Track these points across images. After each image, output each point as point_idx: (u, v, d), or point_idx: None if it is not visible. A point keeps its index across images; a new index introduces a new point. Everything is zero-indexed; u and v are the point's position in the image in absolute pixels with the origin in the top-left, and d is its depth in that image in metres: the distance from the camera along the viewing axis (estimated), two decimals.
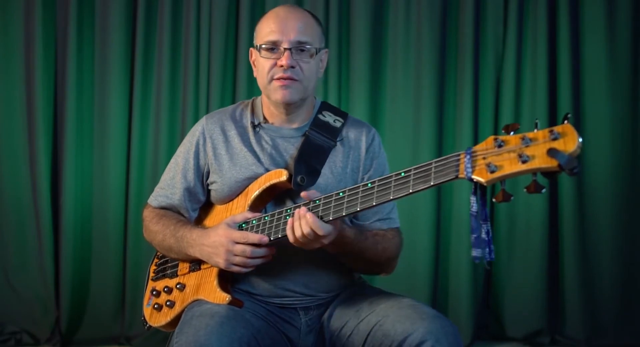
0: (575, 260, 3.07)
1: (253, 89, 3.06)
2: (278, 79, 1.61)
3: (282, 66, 1.59)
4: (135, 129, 3.06)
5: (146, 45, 3.07)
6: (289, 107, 1.67)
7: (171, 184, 1.73)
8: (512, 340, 3.11)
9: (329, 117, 1.72)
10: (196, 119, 3.02)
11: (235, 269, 1.53)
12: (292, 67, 1.59)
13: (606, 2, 3.08)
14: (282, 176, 1.59)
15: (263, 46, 1.62)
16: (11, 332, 2.98)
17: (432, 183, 1.27)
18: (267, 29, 1.62)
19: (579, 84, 3.12)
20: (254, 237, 1.51)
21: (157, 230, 1.69)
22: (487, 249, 1.23)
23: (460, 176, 1.21)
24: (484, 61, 3.15)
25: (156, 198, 1.77)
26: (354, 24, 3.10)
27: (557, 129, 1.11)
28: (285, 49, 1.59)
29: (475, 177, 1.18)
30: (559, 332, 3.11)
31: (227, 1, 3.07)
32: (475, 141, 3.09)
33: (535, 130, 1.15)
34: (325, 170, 1.65)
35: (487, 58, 3.15)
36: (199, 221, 1.76)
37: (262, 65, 1.64)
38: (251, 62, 1.73)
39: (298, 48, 1.60)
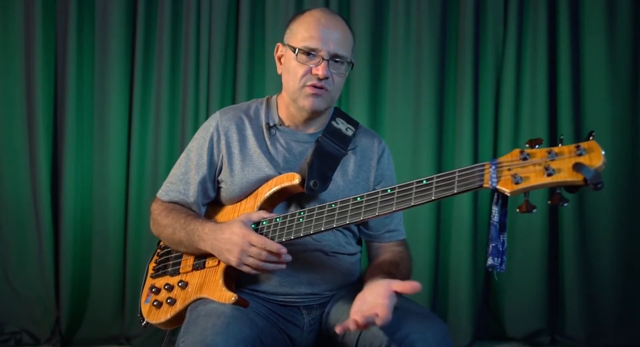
0: (575, 260, 3.07)
1: (253, 89, 3.06)
2: (311, 86, 1.61)
3: (316, 75, 1.59)
4: (135, 129, 3.06)
5: (146, 45, 3.07)
6: (313, 115, 1.67)
7: (184, 179, 1.72)
8: (512, 340, 3.11)
9: (341, 125, 1.73)
10: (196, 119, 3.03)
11: (246, 269, 1.52)
12: (327, 77, 1.60)
13: (606, 2, 3.08)
14: (294, 179, 1.59)
15: (300, 50, 1.61)
16: (11, 332, 2.98)
17: (455, 191, 1.28)
18: (307, 34, 1.61)
19: (579, 84, 3.12)
20: (273, 245, 1.48)
21: (166, 223, 1.68)
22: (499, 260, 1.25)
23: (485, 185, 1.23)
24: (484, 61, 3.15)
25: (167, 193, 1.75)
26: (354, 24, 3.09)
27: (583, 144, 1.14)
28: (323, 58, 1.59)
29: (500, 188, 1.20)
30: (559, 332, 3.11)
31: (227, 1, 3.07)
32: (475, 142, 3.10)
33: (560, 145, 1.17)
34: (337, 178, 1.66)
35: (487, 58, 3.16)
36: (207, 218, 1.75)
37: (294, 68, 1.63)
38: (276, 57, 1.73)
39: (334, 59, 1.61)
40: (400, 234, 1.76)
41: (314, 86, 1.60)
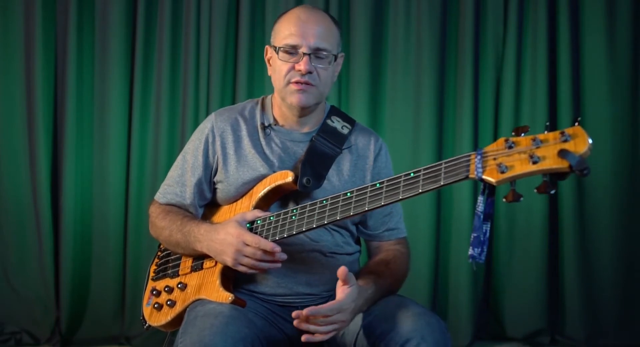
0: (575, 260, 3.07)
1: (253, 89, 3.06)
2: (295, 82, 1.61)
3: (299, 70, 1.59)
4: (135, 129, 3.06)
5: (146, 45, 3.07)
6: (303, 111, 1.67)
7: (180, 181, 1.73)
8: (512, 340, 3.11)
9: (337, 123, 1.73)
10: (196, 119, 3.03)
11: (242, 268, 1.53)
12: (310, 72, 1.60)
13: (606, 2, 3.08)
14: (287, 177, 1.59)
15: (281, 48, 1.61)
16: (11, 332, 2.98)
17: (442, 183, 1.27)
18: (287, 32, 1.61)
19: (579, 84, 3.12)
20: (267, 244, 1.48)
21: (163, 226, 1.69)
22: (480, 250, 1.23)
23: (471, 176, 1.22)
24: (484, 61, 3.15)
25: (164, 195, 1.76)
26: (354, 24, 3.10)
27: (568, 130, 1.12)
28: (304, 54, 1.59)
29: (486, 177, 1.18)
30: (559, 332, 3.11)
31: (227, 1, 3.07)
32: (475, 142, 3.10)
33: (546, 132, 1.16)
34: (332, 176, 1.66)
35: (487, 58, 3.15)
36: (203, 219, 1.75)
37: (279, 67, 1.63)
38: (266, 60, 1.73)
39: (316, 54, 1.60)
40: (400, 232, 1.76)
41: (298, 82, 1.60)
